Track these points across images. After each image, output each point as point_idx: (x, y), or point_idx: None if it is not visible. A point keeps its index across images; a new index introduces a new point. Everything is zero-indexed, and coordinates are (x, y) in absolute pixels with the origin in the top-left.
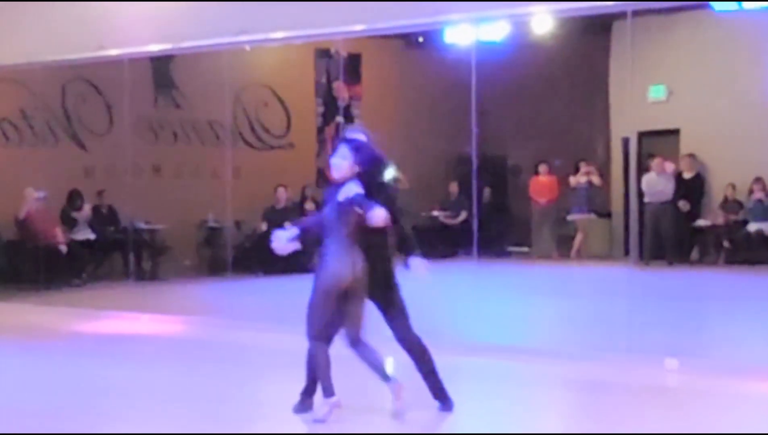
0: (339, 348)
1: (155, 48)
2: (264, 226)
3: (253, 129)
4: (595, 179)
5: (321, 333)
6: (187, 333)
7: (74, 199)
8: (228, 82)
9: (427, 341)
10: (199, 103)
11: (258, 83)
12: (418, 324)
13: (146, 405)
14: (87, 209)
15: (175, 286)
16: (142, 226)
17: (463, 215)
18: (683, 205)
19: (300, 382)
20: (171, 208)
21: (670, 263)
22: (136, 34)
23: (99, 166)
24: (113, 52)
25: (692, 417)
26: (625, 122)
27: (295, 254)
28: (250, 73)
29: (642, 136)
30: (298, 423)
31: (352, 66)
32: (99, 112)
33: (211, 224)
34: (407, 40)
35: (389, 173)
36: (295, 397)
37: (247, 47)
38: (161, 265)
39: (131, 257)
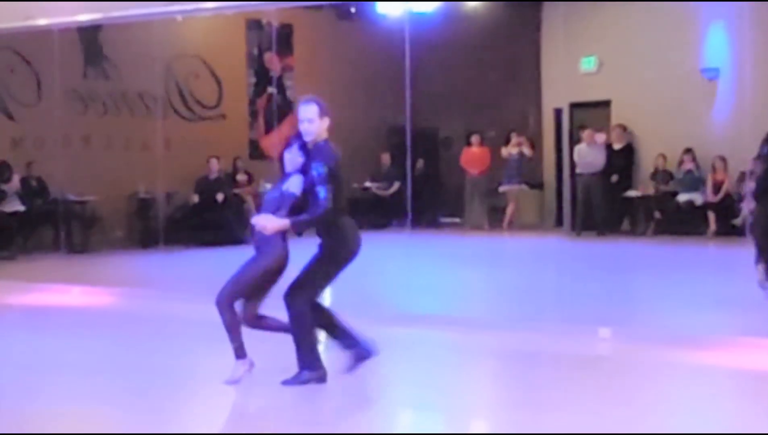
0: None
1: (84, 18)
2: (195, 198)
3: (184, 100)
4: (527, 150)
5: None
6: (118, 305)
7: (2, 170)
8: (159, 53)
9: (359, 312)
10: (129, 74)
11: (189, 54)
12: (350, 295)
13: (76, 378)
14: (16, 181)
15: (106, 258)
16: (73, 197)
17: (395, 186)
18: (613, 177)
19: (227, 355)
20: (101, 180)
21: (601, 234)
22: (65, 3)
23: (28, 138)
24: (41, 21)
25: (624, 385)
26: (557, 94)
27: (226, 225)
28: (181, 43)
29: (573, 107)
30: (233, 394)
31: (284, 37)
32: (27, 82)
33: (142, 196)
34: (340, 11)
35: None
36: (228, 368)
37: (179, 17)
38: (92, 237)
39: (61, 229)
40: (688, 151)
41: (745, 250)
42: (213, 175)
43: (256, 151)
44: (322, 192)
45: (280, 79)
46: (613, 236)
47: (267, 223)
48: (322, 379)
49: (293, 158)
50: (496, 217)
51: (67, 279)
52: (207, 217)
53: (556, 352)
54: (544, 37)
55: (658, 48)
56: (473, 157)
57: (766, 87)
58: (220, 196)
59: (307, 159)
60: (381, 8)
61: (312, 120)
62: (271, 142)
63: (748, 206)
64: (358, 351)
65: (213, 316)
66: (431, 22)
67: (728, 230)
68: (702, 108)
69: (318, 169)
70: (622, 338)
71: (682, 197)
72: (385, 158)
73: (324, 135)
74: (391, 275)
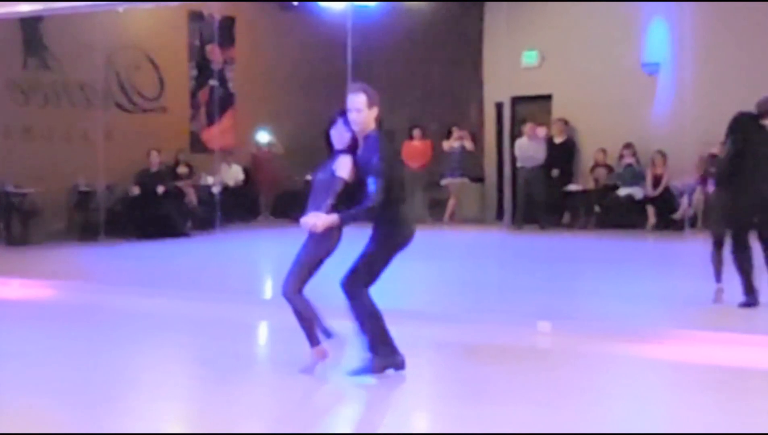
0: None
1: (25, 8)
2: (136, 190)
3: (125, 92)
4: (468, 144)
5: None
6: (58, 298)
7: None
8: (100, 44)
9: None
10: (70, 65)
11: (131, 46)
12: None
13: (15, 370)
14: None
15: (46, 251)
16: (12, 189)
17: None
18: (554, 171)
19: (168, 347)
20: (41, 172)
21: (542, 227)
22: None
23: None
24: None
25: (564, 378)
26: (499, 87)
27: (167, 219)
28: (123, 35)
29: (515, 101)
30: (175, 387)
31: (226, 29)
32: None
33: (83, 188)
34: (282, 3)
35: (263, 137)
36: (169, 361)
37: (120, 9)
38: (32, 230)
39: (1, 221)
40: (628, 145)
41: (684, 244)
42: (154, 168)
43: (197, 144)
44: (372, 185)
45: (221, 71)
46: (553, 230)
47: (317, 221)
48: (398, 365)
49: (340, 134)
50: (437, 211)
51: (6, 271)
52: (148, 209)
53: (497, 345)
54: (486, 31)
55: (600, 43)
56: (415, 150)
57: (705, 82)
58: (161, 189)
59: (358, 149)
60: (323, 1)
61: (360, 109)
62: (212, 135)
63: (709, 189)
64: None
65: (153, 307)
66: (374, 15)
67: (667, 224)
68: (642, 103)
69: (372, 161)
70: (562, 331)
71: (622, 191)
72: (326, 151)
73: (372, 125)
74: (331, 269)
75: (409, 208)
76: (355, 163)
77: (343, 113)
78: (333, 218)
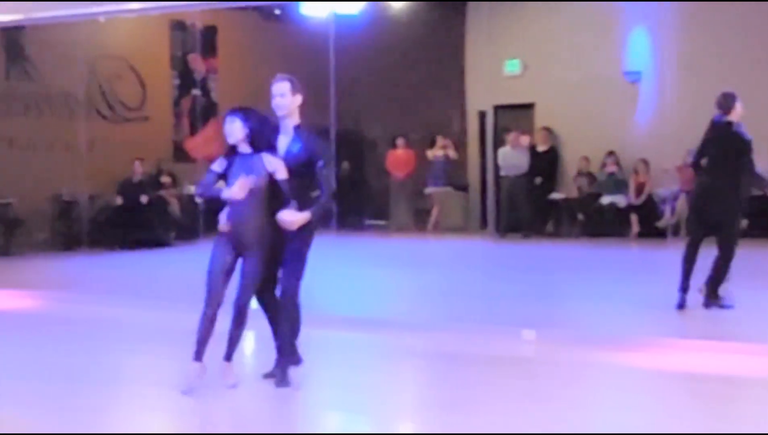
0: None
1: (6, 18)
2: (119, 200)
3: (107, 101)
4: (452, 153)
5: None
6: (41, 308)
7: None
8: (82, 54)
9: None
10: (52, 74)
11: (113, 55)
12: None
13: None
14: None
15: (28, 261)
16: None
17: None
18: (537, 179)
19: (151, 357)
20: (24, 182)
21: (526, 236)
22: None
23: None
24: None
25: (548, 386)
26: (482, 96)
27: (150, 229)
28: (105, 44)
29: (498, 109)
30: (162, 397)
31: (208, 38)
32: None
33: (65, 198)
34: (264, 12)
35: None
36: (157, 370)
37: (102, 18)
38: (14, 240)
39: None
40: (611, 153)
41: (667, 252)
42: (137, 178)
43: (180, 153)
44: (326, 173)
45: (204, 80)
46: (537, 238)
47: (293, 218)
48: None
49: (231, 129)
50: (421, 220)
51: None
52: (131, 219)
53: (481, 354)
54: (468, 40)
55: (582, 51)
56: (398, 159)
57: (687, 90)
58: (144, 199)
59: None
60: (305, 10)
61: (284, 94)
62: (194, 144)
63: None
64: None
65: (136, 317)
66: (356, 24)
67: (650, 232)
68: (624, 111)
69: (313, 150)
70: (546, 339)
71: (605, 199)
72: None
73: (297, 114)
74: (316, 277)
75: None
76: (288, 156)
77: (233, 111)
78: (306, 215)
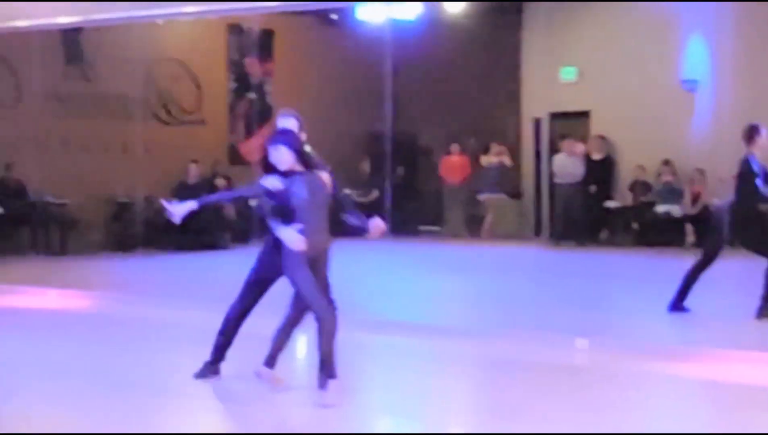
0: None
1: (65, 20)
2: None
3: (164, 104)
4: (506, 160)
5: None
6: (95, 309)
7: None
8: (139, 56)
9: (339, 319)
10: (109, 76)
11: (170, 58)
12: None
13: (52, 380)
14: None
15: (83, 262)
16: (51, 200)
17: (374, 194)
18: (592, 188)
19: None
20: (80, 183)
21: (580, 244)
22: (46, 5)
23: (6, 139)
24: (22, 23)
25: (600, 395)
26: (537, 103)
27: (205, 231)
28: (162, 47)
29: (553, 117)
30: (208, 398)
31: (265, 42)
32: (6, 83)
33: (121, 199)
34: (321, 16)
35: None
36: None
37: (160, 21)
38: (70, 240)
39: (39, 232)
40: (667, 162)
41: (722, 263)
42: (192, 180)
43: (235, 156)
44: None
45: (260, 84)
46: (591, 246)
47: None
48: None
49: (281, 155)
50: (474, 226)
51: (44, 282)
52: (185, 222)
53: (533, 362)
54: (524, 46)
55: (638, 59)
56: (453, 165)
57: (744, 99)
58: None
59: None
60: (362, 15)
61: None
62: (250, 148)
63: None
64: None
65: (189, 320)
66: (412, 29)
67: None
68: (681, 119)
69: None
70: (599, 348)
71: (661, 208)
72: (365, 165)
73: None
74: (370, 283)
75: None
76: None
77: (274, 139)
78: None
